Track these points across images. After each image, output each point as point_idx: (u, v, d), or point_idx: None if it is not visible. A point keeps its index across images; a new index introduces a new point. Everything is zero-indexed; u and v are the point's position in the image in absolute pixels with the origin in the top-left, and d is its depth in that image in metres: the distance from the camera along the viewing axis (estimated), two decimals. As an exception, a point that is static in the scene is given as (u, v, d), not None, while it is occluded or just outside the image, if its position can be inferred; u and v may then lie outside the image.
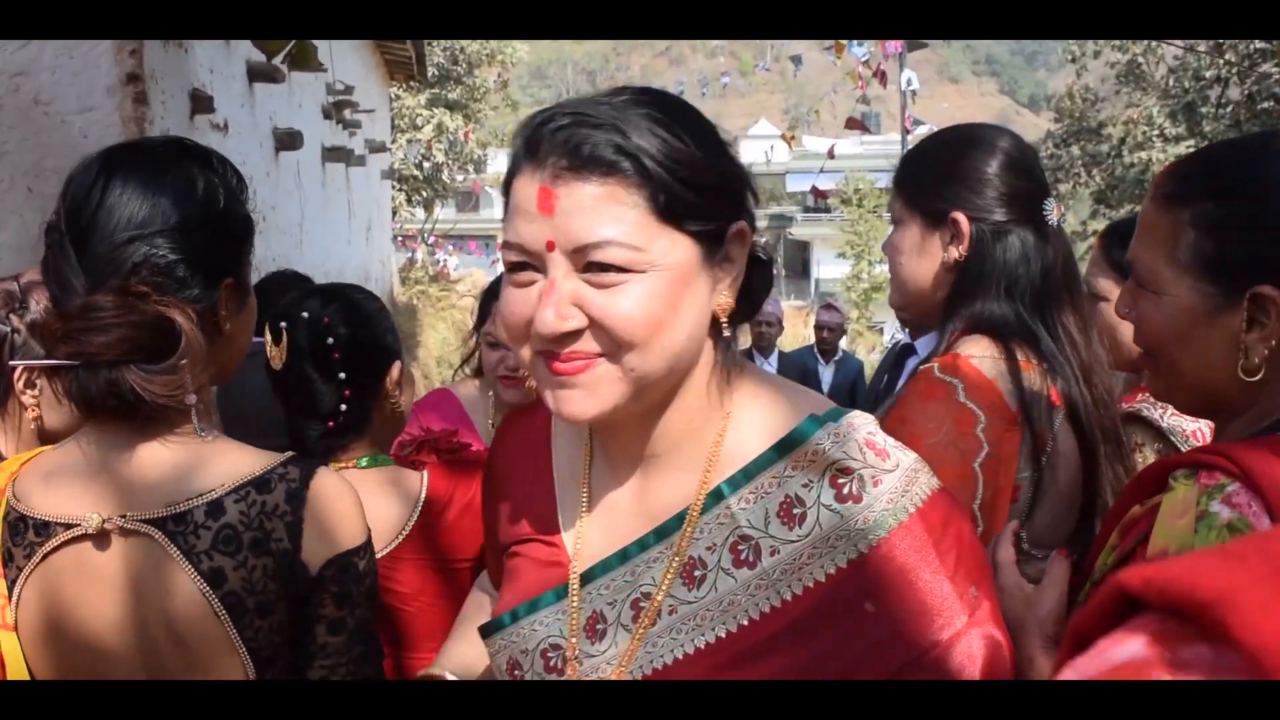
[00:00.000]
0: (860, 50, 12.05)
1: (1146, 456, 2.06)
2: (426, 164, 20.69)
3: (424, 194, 21.58)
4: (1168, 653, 0.33)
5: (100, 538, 1.22)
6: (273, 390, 1.94)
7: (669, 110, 1.05)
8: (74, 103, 4.31)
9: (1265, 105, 15.72)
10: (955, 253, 1.70)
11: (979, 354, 1.65)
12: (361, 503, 1.33)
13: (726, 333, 1.11)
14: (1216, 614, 0.32)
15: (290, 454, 1.29)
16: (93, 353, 1.18)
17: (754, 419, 1.15)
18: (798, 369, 6.90)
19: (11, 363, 1.42)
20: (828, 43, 11.26)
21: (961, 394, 1.60)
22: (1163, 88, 18.91)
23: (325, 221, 8.85)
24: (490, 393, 2.78)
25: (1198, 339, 1.22)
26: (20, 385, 1.79)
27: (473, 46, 21.60)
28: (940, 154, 1.81)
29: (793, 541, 1.06)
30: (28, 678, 1.25)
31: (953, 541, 1.06)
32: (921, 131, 12.09)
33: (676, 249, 1.03)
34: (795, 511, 1.07)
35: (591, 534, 1.18)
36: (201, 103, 5.04)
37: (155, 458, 1.25)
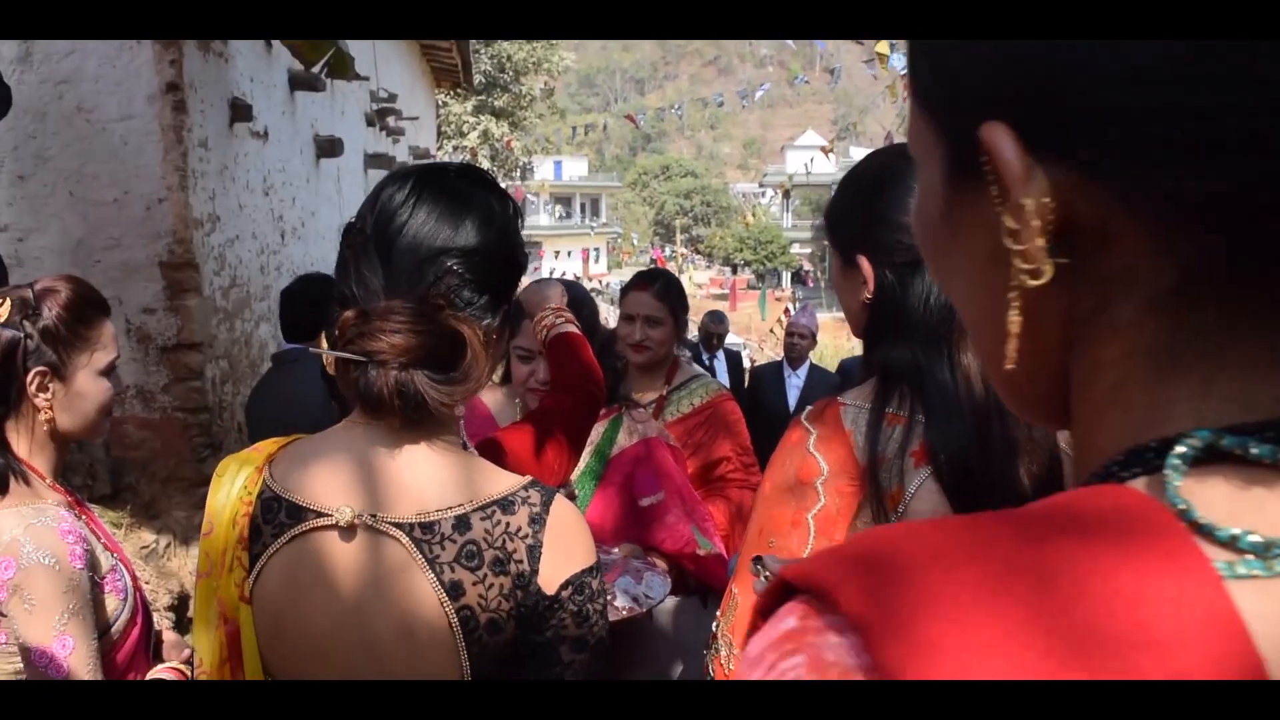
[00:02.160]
0: (901, 61, 11.99)
1: None
2: (471, 170, 20.80)
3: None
4: (811, 621, 0.44)
5: (348, 530, 1.27)
6: (329, 394, 2.00)
7: None
8: (115, 110, 4.41)
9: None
10: (864, 294, 1.59)
11: (851, 401, 1.58)
12: (588, 525, 1.39)
13: None
14: (827, 590, 0.44)
15: (530, 478, 1.35)
16: (387, 353, 1.23)
17: None
18: (827, 385, 6.85)
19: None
20: (869, 54, 11.20)
21: (812, 443, 1.57)
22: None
23: (366, 227, 8.92)
24: (517, 401, 2.85)
25: None
26: (33, 389, 1.84)
27: (519, 54, 21.74)
28: (851, 188, 1.69)
29: None
30: (257, 650, 1.31)
31: None
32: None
33: None
34: None
35: None
36: (240, 111, 5.14)
37: (413, 463, 1.30)
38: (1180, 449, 0.45)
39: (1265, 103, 0.42)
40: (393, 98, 9.84)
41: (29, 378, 1.83)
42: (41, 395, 1.86)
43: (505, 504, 1.29)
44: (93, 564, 1.81)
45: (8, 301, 1.83)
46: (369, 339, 1.24)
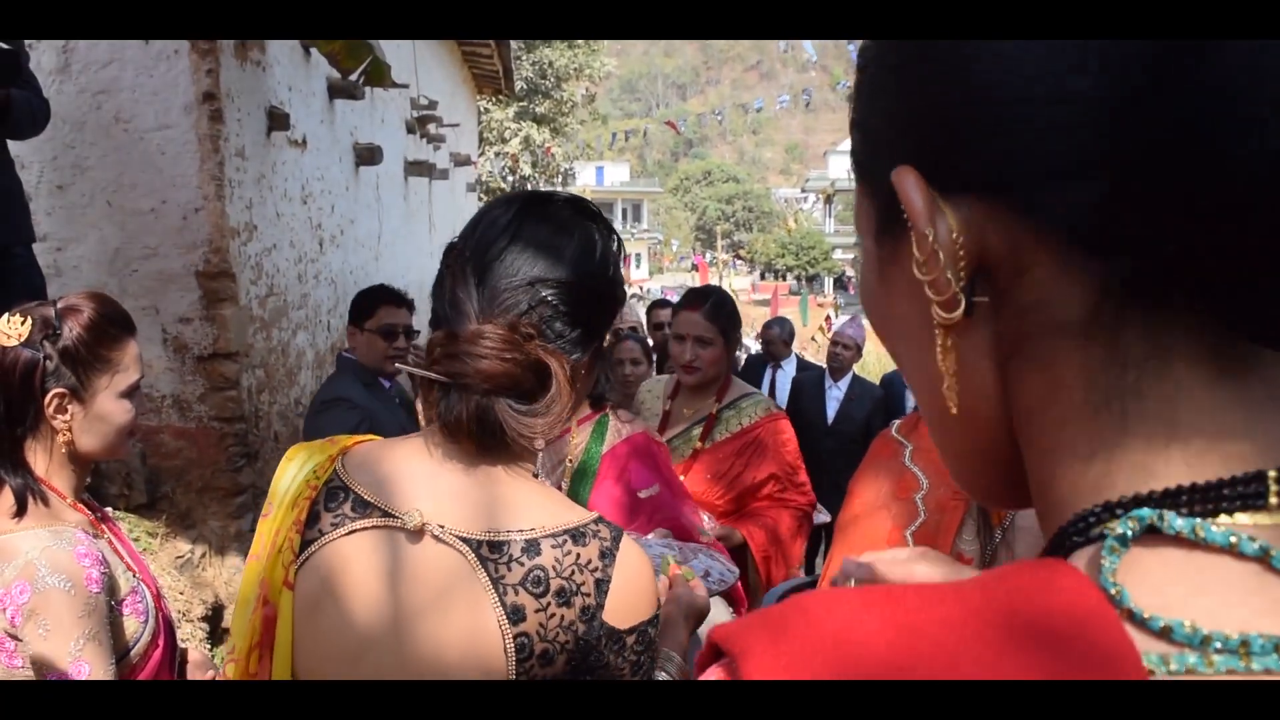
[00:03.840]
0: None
1: None
2: (512, 177, 20.90)
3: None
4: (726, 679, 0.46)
5: (413, 535, 1.24)
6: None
7: None
8: (152, 120, 4.41)
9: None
10: None
11: None
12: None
13: None
14: (737, 655, 0.45)
15: (598, 514, 1.31)
16: (471, 378, 1.21)
17: None
18: (869, 398, 6.73)
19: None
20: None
21: (908, 456, 1.53)
22: None
23: (406, 234, 8.97)
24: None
25: None
26: (51, 410, 1.81)
27: (561, 60, 21.79)
28: None
29: None
30: (290, 639, 1.28)
31: None
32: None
33: None
34: None
35: None
36: (278, 119, 5.13)
37: (488, 482, 1.27)
38: (1118, 529, 0.44)
39: (1124, 126, 0.42)
40: (433, 105, 9.85)
41: (47, 399, 1.80)
42: (60, 417, 1.83)
43: (577, 534, 1.26)
44: (110, 587, 1.78)
45: (29, 320, 1.81)
46: (455, 361, 1.22)
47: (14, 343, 1.78)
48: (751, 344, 14.32)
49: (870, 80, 0.54)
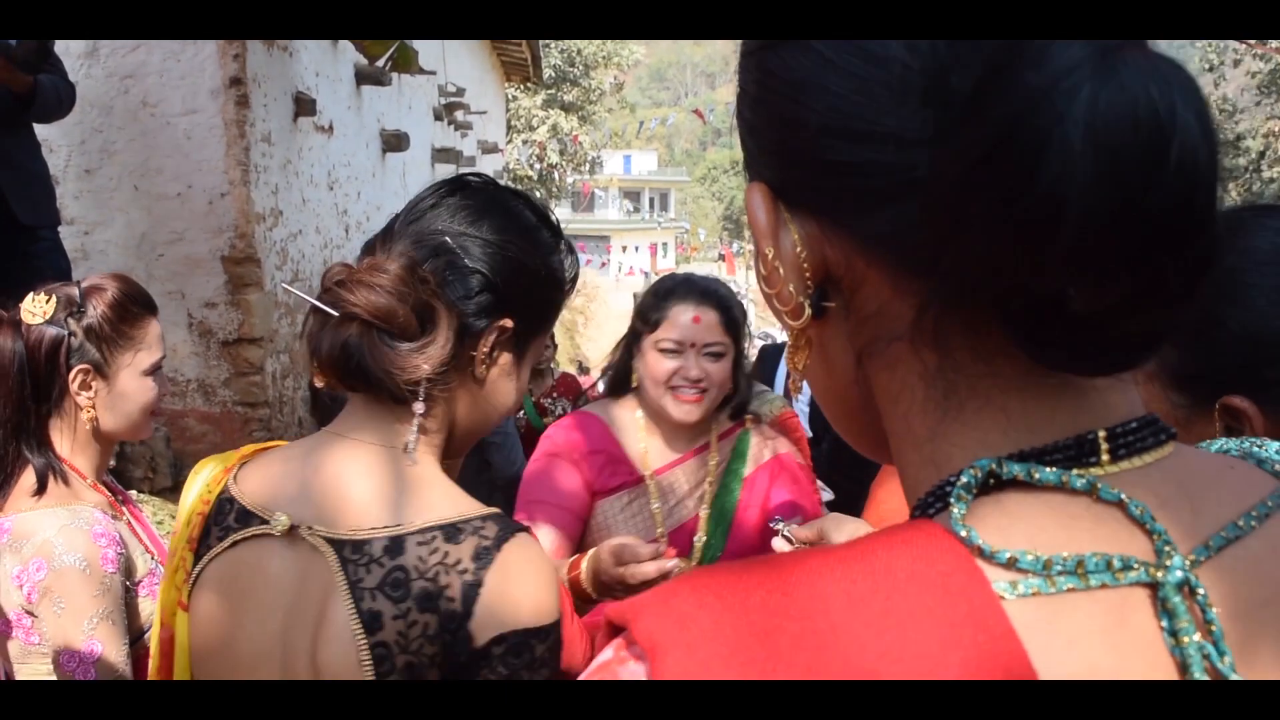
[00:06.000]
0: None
1: None
2: (539, 164, 20.92)
3: (539, 194, 21.86)
4: (621, 652, 0.49)
5: (285, 541, 1.16)
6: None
7: None
8: (179, 105, 4.44)
9: None
10: None
11: None
12: (556, 583, 1.18)
13: None
14: (626, 623, 0.48)
15: (495, 510, 1.18)
16: (356, 306, 1.14)
17: None
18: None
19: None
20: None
21: None
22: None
23: (432, 221, 8.96)
24: (639, 414, 2.35)
25: None
26: (75, 386, 1.82)
27: (589, 49, 21.77)
28: None
29: None
30: (188, 662, 1.22)
31: None
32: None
33: None
34: None
35: None
36: (305, 105, 5.15)
37: (368, 474, 1.17)
38: (963, 479, 0.48)
39: (934, 159, 0.47)
40: (460, 92, 9.87)
41: (71, 375, 1.82)
42: (84, 394, 1.84)
43: (451, 531, 1.12)
44: (127, 568, 1.79)
45: (52, 299, 1.82)
46: (344, 289, 1.15)
47: (39, 320, 1.79)
48: (775, 333, 14.21)
49: (741, 100, 0.59)
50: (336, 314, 1.15)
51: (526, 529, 1.18)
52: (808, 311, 0.55)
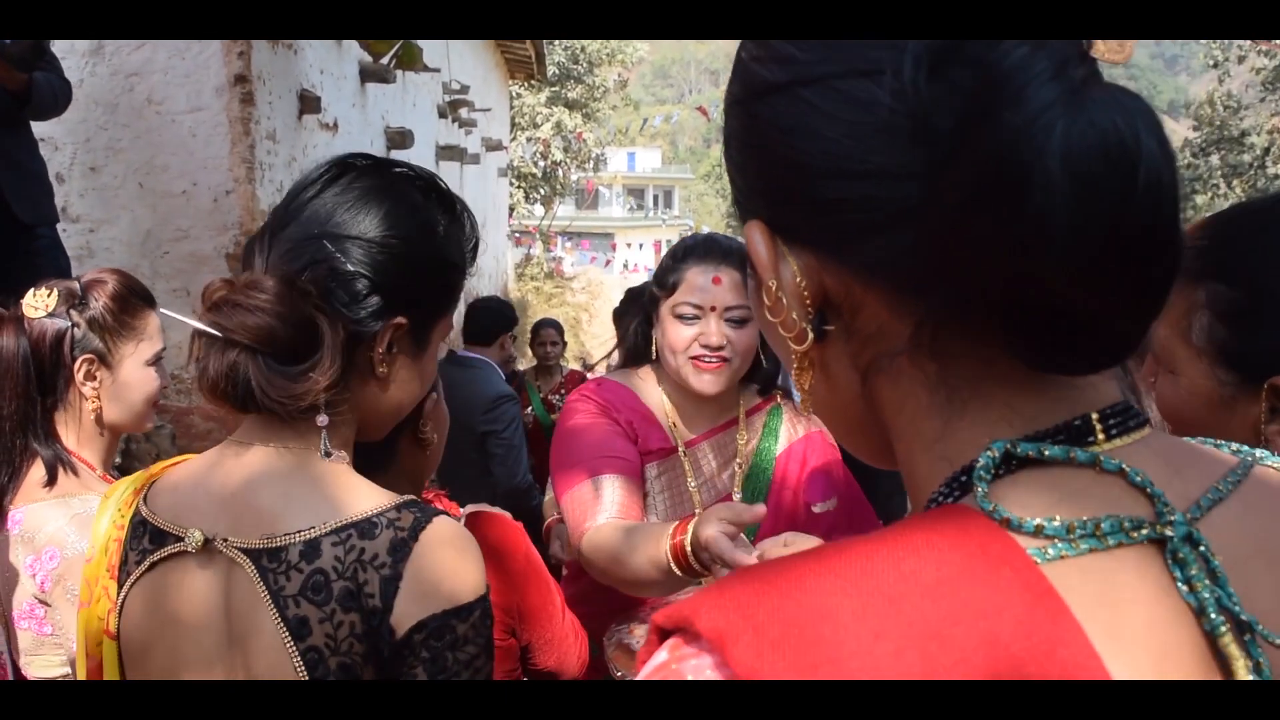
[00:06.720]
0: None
1: None
2: (543, 162, 20.92)
3: (542, 191, 21.85)
4: (678, 651, 0.50)
5: (203, 557, 1.13)
6: None
7: None
8: (184, 102, 4.45)
9: None
10: None
11: None
12: (481, 560, 1.17)
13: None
14: (686, 623, 0.50)
15: (409, 498, 1.17)
16: (235, 333, 1.10)
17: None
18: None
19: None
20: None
21: None
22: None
23: (436, 219, 8.96)
24: (662, 388, 2.38)
25: (1215, 425, 1.11)
26: (80, 377, 1.84)
27: (593, 46, 21.77)
28: None
29: None
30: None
31: None
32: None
33: None
34: None
35: None
36: (309, 103, 5.16)
37: (275, 479, 1.15)
38: (982, 461, 0.53)
39: (925, 191, 0.51)
40: (465, 89, 9.87)
41: (76, 366, 1.83)
42: (89, 384, 1.86)
43: (365, 527, 1.11)
44: (136, 558, 1.81)
45: (54, 292, 1.84)
46: (218, 312, 1.11)
47: (41, 314, 1.81)
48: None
49: (729, 144, 0.63)
50: (220, 335, 1.11)
51: (443, 512, 1.17)
52: (810, 336, 0.60)
